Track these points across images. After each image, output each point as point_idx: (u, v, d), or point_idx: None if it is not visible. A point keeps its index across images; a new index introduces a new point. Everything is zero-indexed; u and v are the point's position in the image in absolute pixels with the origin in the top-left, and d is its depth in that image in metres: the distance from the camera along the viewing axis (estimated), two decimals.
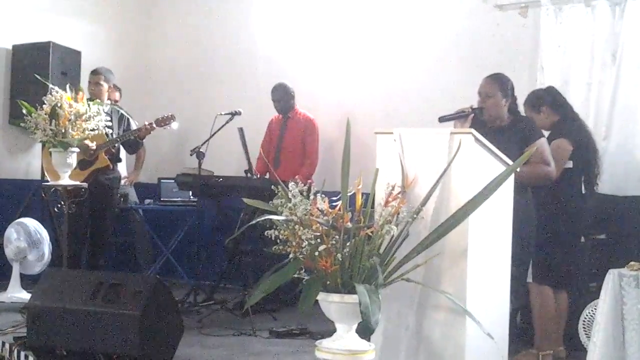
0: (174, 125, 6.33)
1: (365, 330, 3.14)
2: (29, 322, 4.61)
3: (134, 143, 6.29)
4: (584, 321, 4.40)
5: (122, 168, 7.55)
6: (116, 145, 6.17)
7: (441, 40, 6.80)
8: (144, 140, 6.47)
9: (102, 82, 6.27)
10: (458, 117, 4.76)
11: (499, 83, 4.89)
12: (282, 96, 7.01)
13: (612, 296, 3.68)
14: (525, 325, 5.36)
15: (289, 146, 6.97)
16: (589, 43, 5.94)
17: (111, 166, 6.22)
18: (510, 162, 3.91)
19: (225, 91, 7.95)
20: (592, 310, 4.27)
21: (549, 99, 5.20)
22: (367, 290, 3.19)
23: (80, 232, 5.96)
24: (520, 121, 4.91)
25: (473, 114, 4.78)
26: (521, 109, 5.20)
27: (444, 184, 3.67)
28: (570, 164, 5.03)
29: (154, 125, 6.18)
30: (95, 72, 6.33)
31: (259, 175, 6.68)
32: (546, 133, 5.32)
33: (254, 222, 3.54)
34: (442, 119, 4.74)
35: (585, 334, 4.32)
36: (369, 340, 3.35)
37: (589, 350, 3.68)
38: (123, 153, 7.31)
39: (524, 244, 4.64)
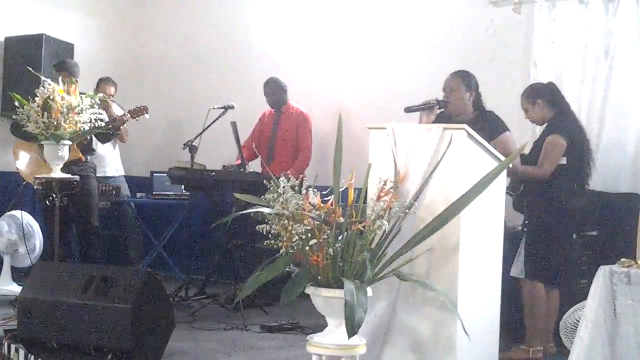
0: (147, 116, 6.39)
1: (348, 331, 3.14)
2: (20, 315, 4.60)
3: (106, 133, 6.26)
4: (565, 326, 4.36)
5: (115, 162, 7.54)
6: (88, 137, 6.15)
7: (435, 36, 6.80)
8: (121, 129, 6.49)
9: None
10: (423, 108, 4.91)
11: (462, 78, 5.04)
12: (275, 90, 7.00)
13: (603, 292, 3.68)
14: (516, 321, 5.37)
15: (282, 141, 6.96)
16: (582, 39, 5.95)
17: (83, 158, 6.20)
18: (502, 157, 3.92)
19: (219, 85, 7.94)
20: (575, 317, 4.23)
21: (547, 94, 5.20)
22: (355, 288, 3.20)
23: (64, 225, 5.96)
24: (485, 115, 4.99)
25: (438, 106, 4.93)
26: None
27: (436, 179, 3.68)
28: (564, 161, 5.04)
29: (128, 116, 6.26)
30: (61, 67, 6.25)
31: (247, 164, 6.66)
32: (541, 128, 5.34)
33: (244, 212, 3.55)
34: (408, 110, 4.90)
35: (566, 338, 4.29)
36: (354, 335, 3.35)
37: (574, 345, 3.68)
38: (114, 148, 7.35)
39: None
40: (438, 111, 5.01)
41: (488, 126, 4.83)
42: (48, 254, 6.12)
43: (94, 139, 6.32)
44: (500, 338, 4.19)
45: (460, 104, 4.99)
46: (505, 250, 4.26)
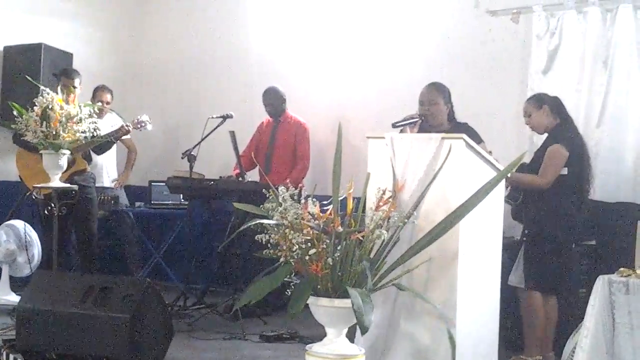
0: (149, 126, 6.40)
1: (360, 328, 3.14)
2: (19, 324, 4.60)
3: (104, 144, 6.27)
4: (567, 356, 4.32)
5: (112, 172, 7.54)
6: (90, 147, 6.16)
7: (433, 46, 6.81)
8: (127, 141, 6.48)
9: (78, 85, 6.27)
10: (409, 123, 5.01)
11: (440, 91, 5.19)
12: (274, 100, 7.01)
13: (602, 302, 3.69)
14: (515, 330, 5.37)
15: (280, 150, 6.97)
16: (580, 49, 5.96)
17: (88, 168, 6.23)
18: (501, 167, 3.92)
19: (217, 94, 7.95)
20: (574, 344, 4.20)
21: (552, 103, 5.22)
22: (359, 293, 3.20)
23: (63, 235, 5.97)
24: (461, 127, 5.05)
25: (420, 120, 5.05)
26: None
27: (435, 189, 3.68)
28: (565, 171, 5.04)
29: (131, 127, 6.29)
30: (73, 76, 6.28)
31: (246, 174, 6.66)
32: (538, 137, 5.34)
33: (244, 226, 3.54)
34: (395, 125, 4.97)
35: None
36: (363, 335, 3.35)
37: (576, 355, 3.69)
38: (113, 155, 7.36)
39: None
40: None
41: None
42: (46, 263, 6.11)
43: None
44: (499, 347, 4.19)
45: (439, 117, 5.13)
46: (503, 260, 4.26)
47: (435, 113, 5.11)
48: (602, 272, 3.88)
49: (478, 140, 4.95)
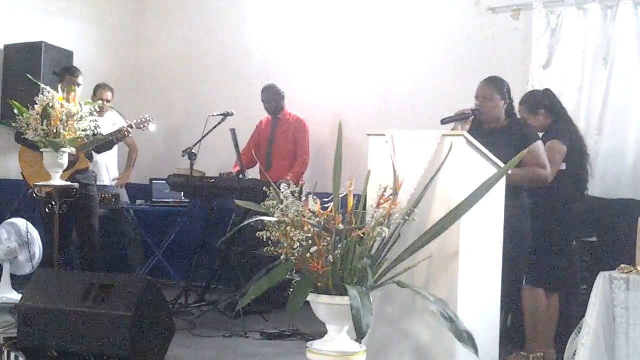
0: (152, 127, 6.38)
1: (357, 334, 3.14)
2: (20, 322, 4.59)
3: (106, 143, 6.27)
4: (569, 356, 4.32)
5: (113, 170, 7.55)
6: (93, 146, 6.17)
7: (434, 43, 6.81)
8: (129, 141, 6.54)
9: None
10: (459, 119, 4.83)
11: (497, 86, 4.95)
12: (273, 97, 7.02)
13: (603, 299, 3.69)
14: (516, 327, 5.37)
15: (280, 147, 6.98)
16: (581, 46, 5.96)
17: (90, 166, 6.24)
18: (502, 164, 3.92)
19: (218, 92, 7.96)
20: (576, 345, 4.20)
21: (547, 102, 5.21)
22: (359, 293, 3.19)
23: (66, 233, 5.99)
24: (517, 124, 4.94)
25: (473, 116, 4.85)
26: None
27: (436, 186, 3.68)
28: (563, 166, 5.04)
29: (134, 127, 6.30)
30: (77, 74, 6.30)
31: (246, 172, 6.66)
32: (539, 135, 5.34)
33: (245, 223, 3.54)
34: (444, 121, 4.80)
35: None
36: (360, 342, 3.35)
37: (578, 352, 3.69)
38: (114, 153, 7.36)
39: (520, 247, 4.67)
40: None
41: (520, 134, 4.81)
42: (48, 261, 6.11)
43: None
44: (500, 344, 4.19)
45: (494, 112, 4.91)
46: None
47: (489, 109, 4.90)
48: (603, 268, 3.87)
49: (535, 137, 4.90)
